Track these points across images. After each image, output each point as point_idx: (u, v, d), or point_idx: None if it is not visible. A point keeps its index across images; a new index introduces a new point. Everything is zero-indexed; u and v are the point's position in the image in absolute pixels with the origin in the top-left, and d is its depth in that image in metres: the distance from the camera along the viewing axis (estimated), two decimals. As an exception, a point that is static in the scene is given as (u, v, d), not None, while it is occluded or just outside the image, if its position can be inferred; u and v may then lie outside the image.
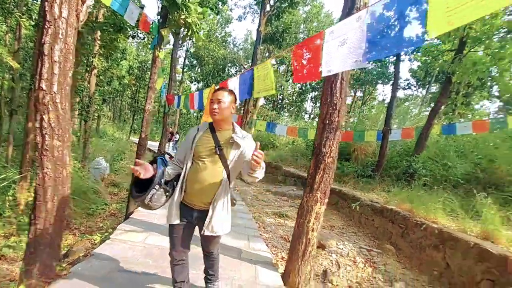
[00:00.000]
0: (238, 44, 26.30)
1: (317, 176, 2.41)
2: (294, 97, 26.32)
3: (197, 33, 4.06)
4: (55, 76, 2.05)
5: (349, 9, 2.18)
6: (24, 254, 2.19)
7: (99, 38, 8.37)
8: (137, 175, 1.64)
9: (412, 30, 1.55)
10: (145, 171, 1.66)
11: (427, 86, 18.44)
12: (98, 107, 10.97)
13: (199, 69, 26.02)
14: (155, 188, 1.70)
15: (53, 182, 2.14)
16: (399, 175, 6.75)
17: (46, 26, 1.98)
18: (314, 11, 18.76)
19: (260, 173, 1.57)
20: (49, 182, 2.12)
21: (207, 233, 1.75)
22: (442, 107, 9.10)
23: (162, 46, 4.06)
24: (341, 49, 1.88)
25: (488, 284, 2.65)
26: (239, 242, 3.37)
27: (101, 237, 3.24)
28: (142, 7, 7.51)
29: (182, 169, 1.80)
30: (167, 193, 1.77)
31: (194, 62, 26.05)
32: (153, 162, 1.78)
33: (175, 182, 1.82)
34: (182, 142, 1.89)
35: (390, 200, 4.89)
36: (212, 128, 1.80)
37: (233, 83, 3.22)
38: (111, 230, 3.42)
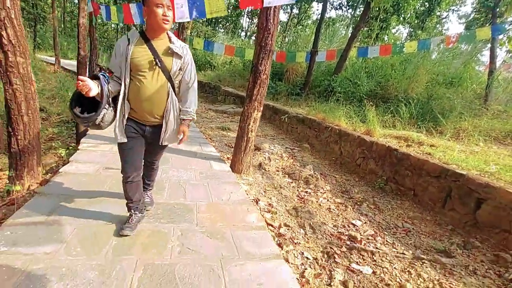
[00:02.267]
0: None
1: (254, 89, 3.14)
2: (229, 11, 24.54)
3: None
4: (3, -10, 2.04)
5: None
6: (9, 162, 2.51)
7: None
8: (86, 92, 1.49)
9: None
10: (90, 88, 1.51)
11: (355, 7, 19.36)
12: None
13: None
14: (105, 108, 1.62)
15: (24, 97, 2.36)
16: (321, 93, 8.05)
17: None
18: None
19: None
20: (20, 97, 2.34)
21: (165, 143, 1.83)
22: (361, 30, 10.26)
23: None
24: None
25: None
26: (193, 147, 4.14)
27: (66, 151, 3.56)
28: None
29: (121, 85, 1.69)
30: (116, 111, 1.71)
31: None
32: (94, 78, 1.60)
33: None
34: (112, 54, 1.73)
35: (311, 112, 6.12)
36: (145, 37, 1.66)
37: (181, 0, 3.34)
38: (73, 144, 3.72)
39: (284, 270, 1.82)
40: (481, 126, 4.93)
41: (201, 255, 1.84)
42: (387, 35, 15.57)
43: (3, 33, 2.10)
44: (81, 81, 1.48)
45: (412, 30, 15.41)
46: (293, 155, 4.89)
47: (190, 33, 14.87)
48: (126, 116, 1.73)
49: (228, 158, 4.28)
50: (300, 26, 16.51)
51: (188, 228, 2.13)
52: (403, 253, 2.39)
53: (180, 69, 1.73)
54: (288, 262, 2.08)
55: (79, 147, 3.37)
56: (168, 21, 1.59)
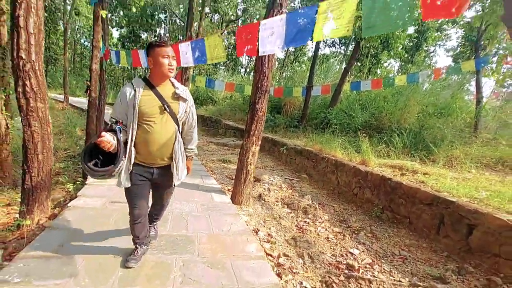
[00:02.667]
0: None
1: (252, 125, 3.39)
2: (229, 50, 26.12)
3: None
4: (32, 46, 2.36)
5: (272, 4, 2.93)
6: (22, 198, 2.67)
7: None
8: (108, 149, 1.58)
9: (309, 31, 2.47)
10: (113, 144, 1.61)
11: (347, 44, 20.62)
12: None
13: (121, 12, 22.98)
14: (122, 159, 1.66)
15: (41, 138, 2.59)
16: (318, 125, 8.38)
17: (19, 1, 2.24)
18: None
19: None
20: (37, 137, 2.56)
21: (177, 183, 1.89)
22: (354, 66, 10.89)
23: (106, 7, 4.09)
24: (271, 38, 2.71)
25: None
26: (195, 180, 4.30)
27: (73, 185, 3.72)
28: None
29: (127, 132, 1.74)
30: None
31: (115, 2, 22.74)
32: (109, 130, 1.67)
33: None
34: (117, 102, 1.76)
35: (308, 143, 6.36)
36: (150, 84, 1.75)
37: (184, 48, 3.75)
38: (80, 179, 3.89)
39: (282, 298, 1.89)
40: (472, 153, 5.11)
41: (202, 285, 1.92)
42: (380, 68, 16.43)
43: (27, 82, 2.39)
44: (101, 137, 1.54)
45: (402, 63, 16.27)
46: (292, 185, 5.02)
47: (193, 71, 15.77)
48: (133, 161, 1.76)
49: (229, 189, 4.41)
50: (297, 63, 17.48)
51: (190, 259, 2.22)
52: (399, 281, 2.44)
53: (185, 111, 1.86)
54: (287, 292, 2.14)
55: (86, 182, 3.54)
56: (173, 70, 1.73)
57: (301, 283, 2.33)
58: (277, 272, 2.39)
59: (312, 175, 5.47)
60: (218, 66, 22.27)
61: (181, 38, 22.64)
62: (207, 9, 19.02)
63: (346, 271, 2.54)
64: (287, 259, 2.66)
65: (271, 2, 2.99)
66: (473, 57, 7.93)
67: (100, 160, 1.68)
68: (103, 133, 1.58)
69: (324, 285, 2.36)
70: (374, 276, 2.50)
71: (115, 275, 1.89)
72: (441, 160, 4.96)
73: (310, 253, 2.81)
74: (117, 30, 25.54)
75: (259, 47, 2.89)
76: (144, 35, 22.71)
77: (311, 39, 2.36)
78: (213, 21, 21.92)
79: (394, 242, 3.13)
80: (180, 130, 1.91)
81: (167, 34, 22.82)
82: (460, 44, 12.73)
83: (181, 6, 21.03)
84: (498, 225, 2.53)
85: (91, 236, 2.37)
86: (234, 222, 3.00)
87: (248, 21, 20.08)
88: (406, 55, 16.08)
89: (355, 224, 3.53)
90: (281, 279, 2.30)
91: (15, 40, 2.30)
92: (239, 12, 21.05)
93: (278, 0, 2.88)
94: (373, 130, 7.10)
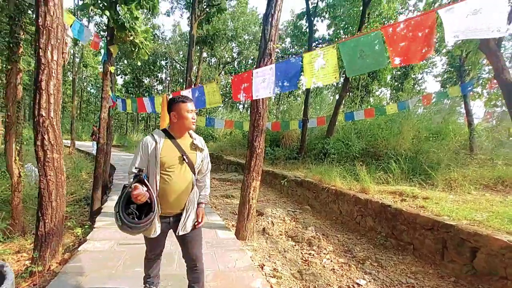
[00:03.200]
0: (167, 38, 25.67)
1: (252, 162, 3.58)
2: (227, 89, 27.38)
3: (144, 49, 4.68)
4: (51, 105, 2.65)
5: (262, 54, 3.31)
6: (35, 245, 2.77)
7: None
8: (142, 200, 1.63)
9: (297, 78, 2.77)
10: (146, 195, 1.65)
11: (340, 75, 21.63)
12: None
13: (125, 61, 24.60)
14: (157, 206, 1.70)
15: (55, 186, 2.77)
16: (316, 155, 8.56)
17: (41, 68, 2.57)
18: (240, 10, 19.84)
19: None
20: (52, 186, 2.74)
21: (181, 233, 1.83)
22: (347, 96, 11.37)
23: (113, 63, 4.54)
24: (263, 84, 3.02)
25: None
26: (199, 218, 4.37)
27: (82, 229, 3.80)
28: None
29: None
30: None
31: (119, 52, 24.44)
32: (138, 182, 1.69)
33: None
34: (138, 153, 1.81)
35: (308, 174, 6.48)
36: (170, 136, 1.84)
37: (186, 94, 4.08)
38: (89, 223, 3.98)
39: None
40: (470, 175, 5.21)
41: (210, 323, 1.96)
42: (372, 97, 17.07)
43: (46, 136, 2.64)
44: (136, 189, 1.60)
45: (393, 91, 16.96)
46: (295, 217, 5.05)
47: (193, 110, 16.43)
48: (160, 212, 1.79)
49: (233, 225, 4.46)
50: (292, 97, 18.25)
51: (197, 297, 2.26)
52: (408, 310, 2.43)
53: (202, 160, 1.92)
54: (295, 327, 2.15)
55: (95, 226, 3.63)
56: (195, 123, 1.85)
57: (309, 317, 2.34)
58: (285, 307, 2.40)
59: (314, 205, 5.52)
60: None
61: (181, 81, 23.88)
62: (204, 54, 20.35)
63: (354, 303, 2.54)
64: (293, 293, 2.67)
65: (261, 51, 3.36)
66: (459, 82, 8.37)
67: (135, 213, 1.68)
68: (137, 185, 1.64)
69: (332, 318, 2.36)
70: (382, 306, 2.50)
71: (125, 317, 1.94)
72: (439, 183, 5.05)
73: (316, 286, 2.81)
74: (121, 77, 27.10)
75: (253, 92, 3.19)
76: (146, 80, 23.99)
77: (303, 85, 2.65)
78: (210, 64, 23.30)
79: (400, 270, 3.12)
80: (196, 179, 1.96)
81: (168, 78, 24.16)
82: (446, 71, 13.39)
83: (181, 52, 22.53)
84: (499, 246, 2.58)
85: (101, 280, 2.43)
86: (239, 258, 3.04)
87: (243, 62, 21.37)
88: (396, 83, 16.83)
89: (360, 254, 3.53)
90: (289, 314, 2.31)
91: (37, 100, 2.59)
92: (235, 55, 22.45)
93: (267, 50, 3.25)
94: (371, 158, 7.24)
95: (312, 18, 9.16)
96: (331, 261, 3.40)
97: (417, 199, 4.30)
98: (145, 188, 1.66)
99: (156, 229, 1.79)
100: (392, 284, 2.88)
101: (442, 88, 13.31)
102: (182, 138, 1.87)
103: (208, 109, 20.38)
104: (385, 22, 11.44)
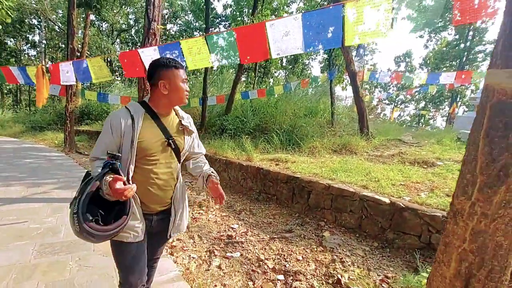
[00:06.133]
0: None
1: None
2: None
3: (3, 10, 4.00)
4: None
5: (147, 33, 3.53)
6: None
7: None
8: (129, 197, 1.19)
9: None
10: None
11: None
12: None
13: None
14: (132, 205, 1.30)
15: None
16: (216, 131, 9.25)
17: None
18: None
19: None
20: None
21: (173, 235, 1.52)
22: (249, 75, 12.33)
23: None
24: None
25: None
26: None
27: None
28: None
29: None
30: None
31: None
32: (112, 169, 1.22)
33: None
34: (106, 134, 1.32)
35: (205, 148, 7.08)
36: (152, 112, 1.39)
37: (66, 68, 3.86)
38: None
39: (169, 264, 2.51)
40: (326, 143, 6.89)
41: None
42: (272, 77, 18.84)
43: None
44: (117, 182, 1.14)
45: (287, 73, 19.23)
46: (191, 187, 5.63)
47: (82, 84, 14.36)
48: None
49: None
50: (194, 76, 18.22)
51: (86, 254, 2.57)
52: (263, 238, 3.40)
53: (190, 145, 1.57)
54: (176, 262, 2.76)
55: None
56: (187, 96, 1.44)
57: (190, 255, 3.00)
58: (170, 252, 2.98)
59: (210, 175, 6.23)
60: (114, 77, 20.77)
61: (63, 46, 20.07)
62: (92, 17, 17.64)
63: (226, 240, 3.35)
64: (179, 241, 3.28)
65: (145, 31, 3.57)
66: (328, 70, 10.42)
67: (100, 215, 1.22)
68: (117, 176, 1.17)
69: (208, 252, 3.09)
70: (246, 239, 3.39)
71: None
72: (306, 150, 6.52)
73: (199, 234, 3.50)
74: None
75: (144, 69, 3.42)
76: (11, 42, 19.07)
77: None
78: (101, 29, 20.35)
79: (265, 214, 4.16)
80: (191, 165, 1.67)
81: (44, 42, 19.81)
82: (323, 59, 16.12)
83: (60, 11, 18.72)
84: (322, 188, 3.83)
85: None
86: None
87: (142, 31, 19.60)
88: (290, 67, 19.08)
89: (239, 208, 4.43)
90: (173, 256, 2.90)
91: None
92: (132, 22, 20.28)
93: (151, 30, 3.49)
94: (261, 132, 8.43)
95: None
96: (215, 215, 4.16)
97: (287, 163, 5.51)
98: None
99: (138, 231, 1.35)
100: (257, 224, 3.85)
101: (321, 73, 16.00)
102: (167, 117, 1.45)
103: (102, 83, 18.15)
104: (278, 9, 12.73)
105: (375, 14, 2.16)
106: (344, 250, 3.04)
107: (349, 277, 2.53)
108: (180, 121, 1.50)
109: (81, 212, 1.13)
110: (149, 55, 3.36)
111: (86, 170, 1.39)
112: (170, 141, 1.40)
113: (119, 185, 1.14)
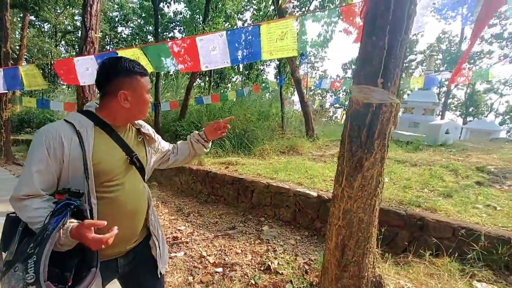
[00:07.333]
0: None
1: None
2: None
3: None
4: None
5: (84, 42, 3.58)
6: None
7: None
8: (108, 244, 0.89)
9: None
10: None
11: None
12: None
13: None
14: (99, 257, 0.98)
15: None
16: (170, 137, 9.23)
17: None
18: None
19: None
20: None
21: (163, 271, 1.29)
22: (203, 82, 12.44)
23: None
24: (87, 72, 3.35)
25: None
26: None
27: None
28: None
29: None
30: None
31: None
32: (77, 211, 0.94)
33: None
34: (38, 159, 0.96)
35: (158, 154, 7.10)
36: (105, 125, 1.10)
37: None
38: None
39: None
40: (275, 146, 7.37)
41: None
42: (230, 83, 19.13)
43: None
44: (90, 230, 0.87)
45: (243, 78, 19.71)
46: (142, 194, 5.64)
47: (20, 91, 13.18)
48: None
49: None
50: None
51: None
52: (207, 237, 3.65)
53: (153, 157, 1.34)
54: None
55: None
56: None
57: (134, 258, 3.12)
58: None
59: (161, 181, 6.28)
60: (56, 81, 19.25)
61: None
62: (32, 17, 16.27)
63: (172, 242, 3.53)
64: (124, 246, 3.37)
65: (83, 39, 3.61)
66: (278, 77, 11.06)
67: (58, 274, 0.91)
68: (91, 221, 0.89)
69: (152, 254, 3.24)
70: (191, 239, 3.61)
71: None
72: (256, 153, 6.91)
73: (145, 238, 3.62)
74: None
75: (78, 78, 3.46)
76: None
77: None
78: (43, 30, 18.81)
79: (212, 215, 4.40)
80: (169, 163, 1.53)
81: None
82: (276, 65, 16.94)
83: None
84: (262, 186, 4.20)
85: None
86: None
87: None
88: (246, 72, 19.59)
89: (187, 210, 4.62)
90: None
91: None
92: (78, 24, 19.09)
93: (88, 39, 3.55)
94: (216, 137, 8.63)
95: (158, 2, 9.39)
96: (164, 219, 4.29)
97: (237, 165, 5.82)
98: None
99: None
100: (204, 225, 4.08)
101: (275, 79, 16.76)
102: (125, 128, 1.18)
103: (47, 89, 16.75)
104: (231, 16, 13.09)
105: (285, 34, 2.57)
106: (279, 241, 3.42)
107: (278, 263, 2.90)
108: (138, 129, 1.25)
109: (42, 277, 0.79)
110: (86, 63, 3.41)
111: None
112: (134, 158, 1.14)
113: (91, 235, 0.85)
